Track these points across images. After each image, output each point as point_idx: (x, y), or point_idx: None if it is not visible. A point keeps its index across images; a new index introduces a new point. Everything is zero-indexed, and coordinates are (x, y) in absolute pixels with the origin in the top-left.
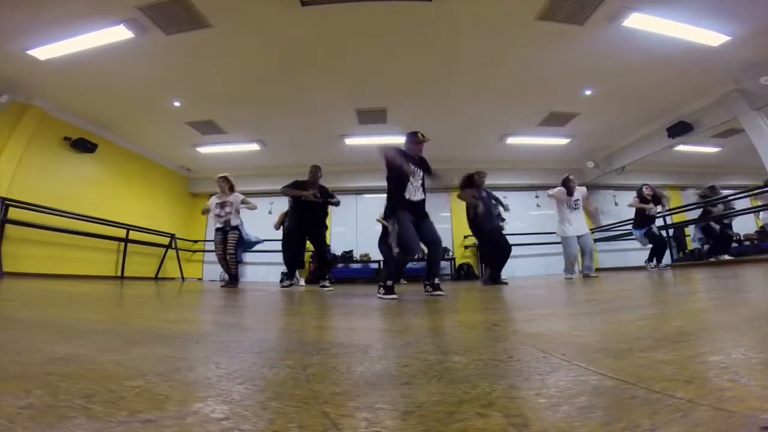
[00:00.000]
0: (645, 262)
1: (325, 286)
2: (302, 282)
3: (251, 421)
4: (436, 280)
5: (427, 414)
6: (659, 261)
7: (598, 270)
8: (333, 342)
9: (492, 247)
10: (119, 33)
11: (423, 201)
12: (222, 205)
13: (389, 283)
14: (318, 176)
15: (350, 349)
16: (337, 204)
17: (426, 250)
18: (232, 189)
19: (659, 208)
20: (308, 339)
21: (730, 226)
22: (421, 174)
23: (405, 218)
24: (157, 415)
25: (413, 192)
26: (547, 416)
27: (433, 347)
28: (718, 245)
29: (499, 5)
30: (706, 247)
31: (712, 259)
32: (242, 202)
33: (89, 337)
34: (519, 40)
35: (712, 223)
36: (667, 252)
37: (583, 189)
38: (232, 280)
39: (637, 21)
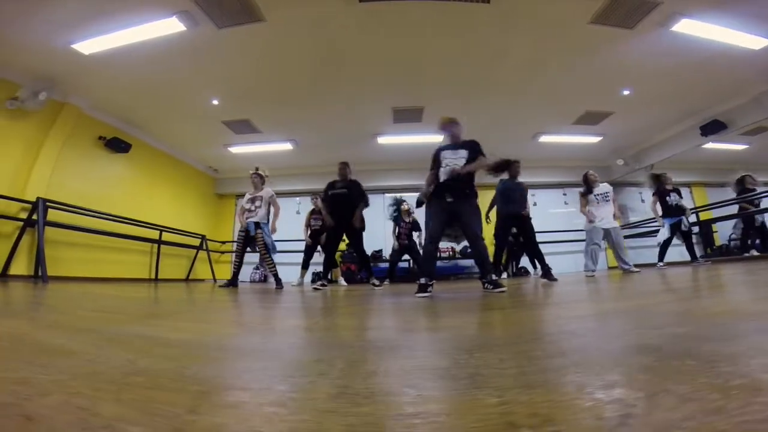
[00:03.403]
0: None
1: (375, 284)
2: (342, 281)
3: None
4: (493, 277)
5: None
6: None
7: None
8: (503, 336)
9: (504, 236)
10: (171, 26)
11: (456, 182)
12: (252, 200)
13: (422, 280)
14: (347, 172)
15: (548, 341)
16: (366, 205)
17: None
18: (263, 182)
19: (674, 196)
20: (463, 336)
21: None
22: (464, 153)
23: (434, 208)
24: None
25: (445, 173)
26: None
27: (608, 331)
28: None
29: (556, 8)
30: (732, 243)
31: (755, 253)
32: (271, 198)
33: (274, 361)
34: (568, 42)
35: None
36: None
37: (608, 186)
38: (233, 280)
39: (685, 26)
